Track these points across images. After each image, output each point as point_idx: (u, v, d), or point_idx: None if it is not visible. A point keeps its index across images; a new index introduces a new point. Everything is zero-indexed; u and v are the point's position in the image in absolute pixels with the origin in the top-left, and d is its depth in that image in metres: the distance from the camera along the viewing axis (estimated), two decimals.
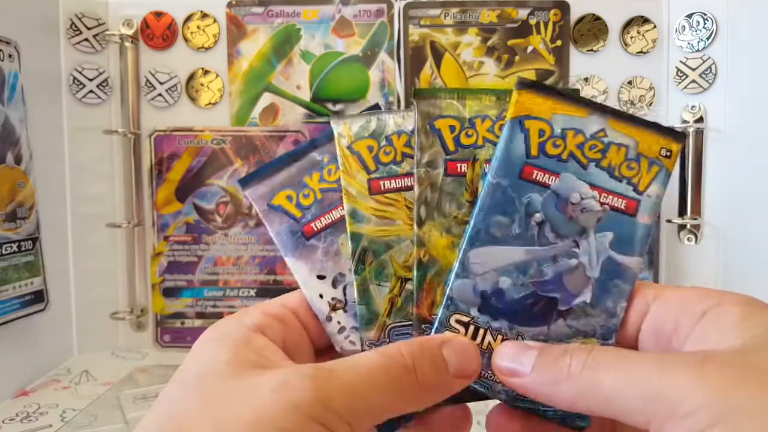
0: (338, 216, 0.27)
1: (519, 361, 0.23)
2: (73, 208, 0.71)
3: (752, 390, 0.17)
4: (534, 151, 0.25)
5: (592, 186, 0.25)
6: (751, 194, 0.65)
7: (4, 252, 0.58)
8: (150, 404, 0.57)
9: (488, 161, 0.26)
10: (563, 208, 0.25)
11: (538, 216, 0.25)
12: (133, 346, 0.73)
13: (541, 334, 0.24)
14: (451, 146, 0.27)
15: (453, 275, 0.25)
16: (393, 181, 0.27)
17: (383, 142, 0.27)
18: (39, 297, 0.63)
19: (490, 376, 0.24)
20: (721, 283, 0.69)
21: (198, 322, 0.72)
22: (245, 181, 0.28)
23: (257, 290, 0.72)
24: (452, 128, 0.27)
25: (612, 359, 0.20)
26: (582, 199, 0.24)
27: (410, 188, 0.27)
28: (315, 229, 0.27)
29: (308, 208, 0.28)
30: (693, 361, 0.19)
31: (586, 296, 0.24)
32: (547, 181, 0.25)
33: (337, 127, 0.28)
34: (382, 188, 0.27)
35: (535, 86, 0.25)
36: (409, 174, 0.27)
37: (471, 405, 0.26)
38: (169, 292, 0.72)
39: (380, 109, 0.29)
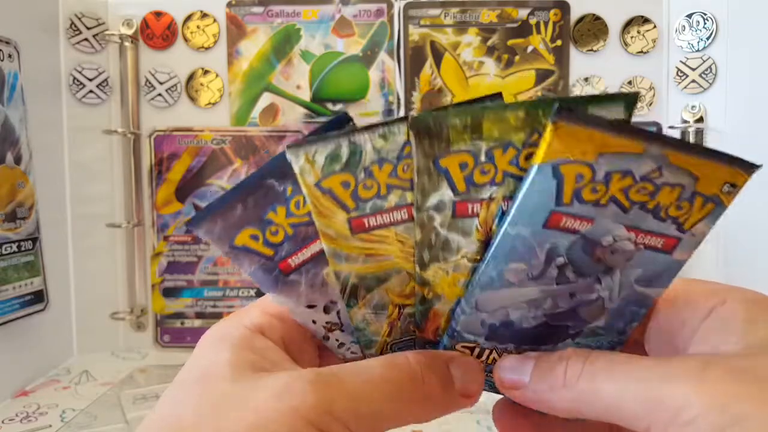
0: (317, 250, 0.23)
1: (519, 372, 0.22)
2: (73, 208, 0.71)
3: (755, 399, 0.17)
4: (567, 199, 0.20)
5: (630, 228, 0.20)
6: (751, 194, 0.65)
7: (3, 252, 0.58)
8: (150, 404, 0.57)
9: (507, 198, 0.21)
10: (591, 252, 0.21)
11: (560, 260, 0.21)
12: (133, 347, 0.73)
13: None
14: (461, 186, 0.21)
15: (459, 310, 0.23)
16: (379, 217, 0.22)
17: (361, 175, 0.21)
18: (39, 297, 0.63)
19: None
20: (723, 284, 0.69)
21: (198, 323, 0.72)
22: (196, 221, 0.23)
23: (257, 290, 0.72)
24: (463, 166, 0.21)
25: (609, 365, 0.20)
26: (615, 241, 0.20)
27: (400, 222, 0.22)
28: (293, 265, 0.23)
29: (280, 245, 0.23)
30: (694, 366, 0.18)
31: (599, 322, 0.22)
32: (576, 227, 0.20)
33: (297, 160, 0.21)
34: (367, 226, 0.22)
35: (579, 116, 0.19)
36: (398, 207, 0.22)
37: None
38: (169, 292, 0.72)
39: (349, 121, 0.22)
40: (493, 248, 0.21)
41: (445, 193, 0.21)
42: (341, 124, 0.22)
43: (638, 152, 0.19)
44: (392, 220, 0.22)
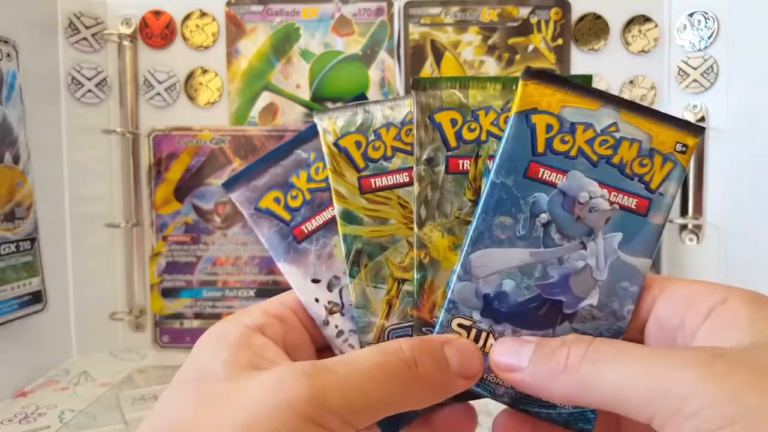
0: (329, 217, 0.26)
1: (516, 355, 0.22)
2: (72, 208, 0.71)
3: (764, 393, 0.17)
4: (541, 148, 0.23)
5: (602, 184, 0.23)
6: (752, 194, 0.65)
7: (2, 252, 0.58)
8: (149, 405, 0.57)
9: (492, 157, 0.24)
10: (570, 208, 0.23)
11: (543, 216, 0.23)
12: (132, 347, 0.73)
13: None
14: (452, 142, 0.25)
15: (455, 278, 0.24)
16: (384, 178, 0.26)
17: (371, 137, 0.26)
18: (37, 297, 0.63)
19: (493, 379, 0.24)
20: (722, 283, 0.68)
21: (197, 323, 0.72)
22: (229, 184, 0.27)
23: (256, 291, 0.72)
24: (454, 122, 0.25)
25: (614, 352, 0.20)
26: (591, 198, 0.23)
27: (402, 185, 0.26)
28: (306, 231, 0.26)
29: (297, 210, 0.26)
30: (701, 358, 0.18)
31: (593, 299, 0.23)
32: (554, 180, 0.23)
33: (321, 122, 0.26)
34: (374, 186, 0.26)
35: (543, 76, 0.23)
36: (400, 170, 0.26)
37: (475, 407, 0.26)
38: (168, 293, 0.72)
39: (366, 99, 0.27)
40: (482, 200, 0.24)
41: (440, 147, 0.25)
42: (360, 100, 0.27)
43: (594, 108, 0.23)
44: (395, 182, 0.26)
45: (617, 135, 0.23)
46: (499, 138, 0.24)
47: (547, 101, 0.23)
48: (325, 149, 0.26)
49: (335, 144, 0.26)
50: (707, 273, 0.69)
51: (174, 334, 0.72)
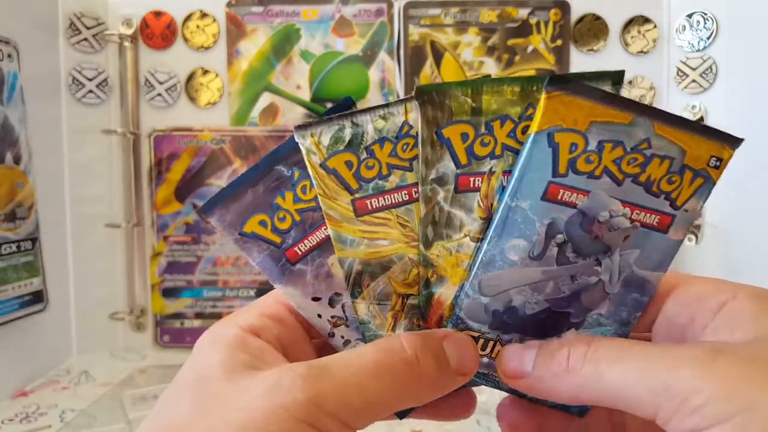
0: (323, 237, 0.24)
1: (521, 361, 0.22)
2: (73, 208, 0.71)
3: (764, 387, 0.17)
4: (562, 169, 0.21)
5: (624, 203, 0.21)
6: (751, 194, 0.65)
7: (3, 252, 0.58)
8: (150, 405, 0.57)
9: (506, 173, 0.22)
10: (589, 228, 0.21)
11: (559, 237, 0.21)
12: (133, 347, 0.73)
13: None
14: (462, 159, 0.22)
15: (463, 295, 0.23)
16: (381, 198, 0.23)
17: (363, 155, 0.22)
18: (38, 297, 0.63)
19: (497, 375, 0.24)
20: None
21: (197, 323, 0.72)
22: (207, 208, 0.24)
23: (256, 290, 0.72)
24: (465, 136, 0.22)
25: (615, 351, 0.20)
26: (611, 217, 0.21)
27: (401, 204, 0.23)
28: (299, 253, 0.24)
29: (287, 231, 0.24)
30: (703, 353, 0.18)
31: (602, 309, 0.23)
32: (574, 201, 0.21)
33: (304, 141, 0.23)
34: (370, 207, 0.23)
35: (571, 86, 0.20)
36: (398, 188, 0.23)
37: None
38: (169, 293, 0.72)
39: (352, 106, 0.23)
40: (494, 223, 0.22)
41: (448, 165, 0.22)
42: (346, 108, 0.23)
43: (626, 122, 0.20)
44: (393, 201, 0.23)
45: (648, 152, 0.21)
46: (515, 151, 0.22)
47: (573, 117, 0.20)
48: (311, 171, 0.23)
49: (322, 166, 0.23)
50: (706, 273, 0.69)
51: (175, 334, 0.72)
